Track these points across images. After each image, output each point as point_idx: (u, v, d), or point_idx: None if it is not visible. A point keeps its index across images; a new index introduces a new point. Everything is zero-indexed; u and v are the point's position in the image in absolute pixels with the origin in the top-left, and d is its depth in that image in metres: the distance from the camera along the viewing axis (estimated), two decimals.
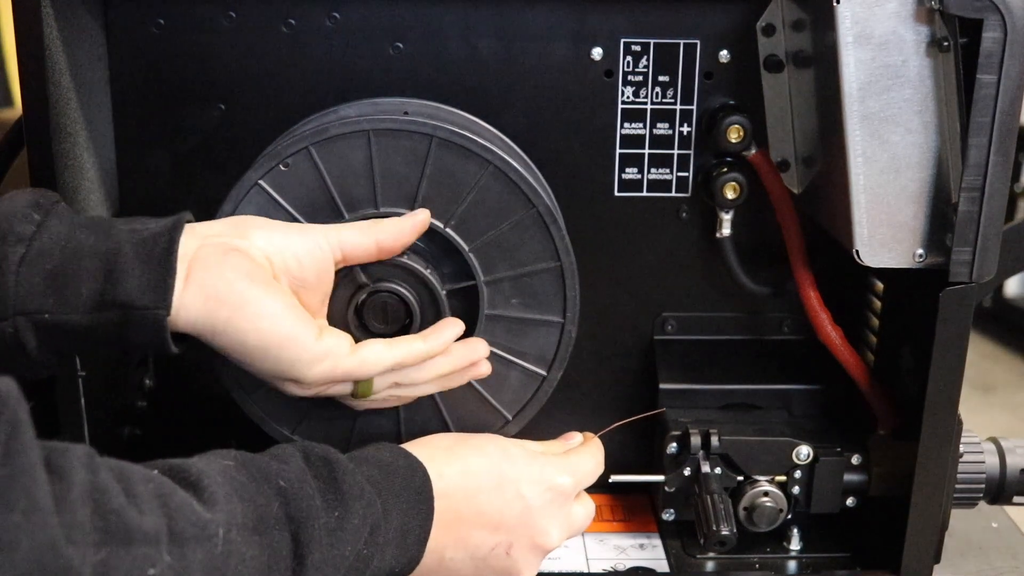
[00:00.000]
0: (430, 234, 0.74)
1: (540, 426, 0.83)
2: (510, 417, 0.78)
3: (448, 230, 0.74)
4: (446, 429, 0.78)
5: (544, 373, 0.77)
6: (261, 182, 0.73)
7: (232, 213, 0.72)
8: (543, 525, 0.71)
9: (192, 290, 0.62)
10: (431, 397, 0.76)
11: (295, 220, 0.73)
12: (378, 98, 0.79)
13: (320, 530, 0.58)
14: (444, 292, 0.74)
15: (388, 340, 0.70)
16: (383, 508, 0.62)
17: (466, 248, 0.74)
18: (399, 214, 0.73)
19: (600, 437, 0.79)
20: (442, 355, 0.72)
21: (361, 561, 0.61)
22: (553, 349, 0.76)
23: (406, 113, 0.73)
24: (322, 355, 0.66)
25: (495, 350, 0.76)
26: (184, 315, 0.62)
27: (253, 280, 0.64)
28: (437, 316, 0.74)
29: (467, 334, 0.75)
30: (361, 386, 0.70)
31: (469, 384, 0.76)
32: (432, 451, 0.69)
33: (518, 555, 0.70)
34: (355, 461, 0.64)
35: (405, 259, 0.73)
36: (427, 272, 0.73)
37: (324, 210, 0.73)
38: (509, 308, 0.75)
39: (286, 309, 0.65)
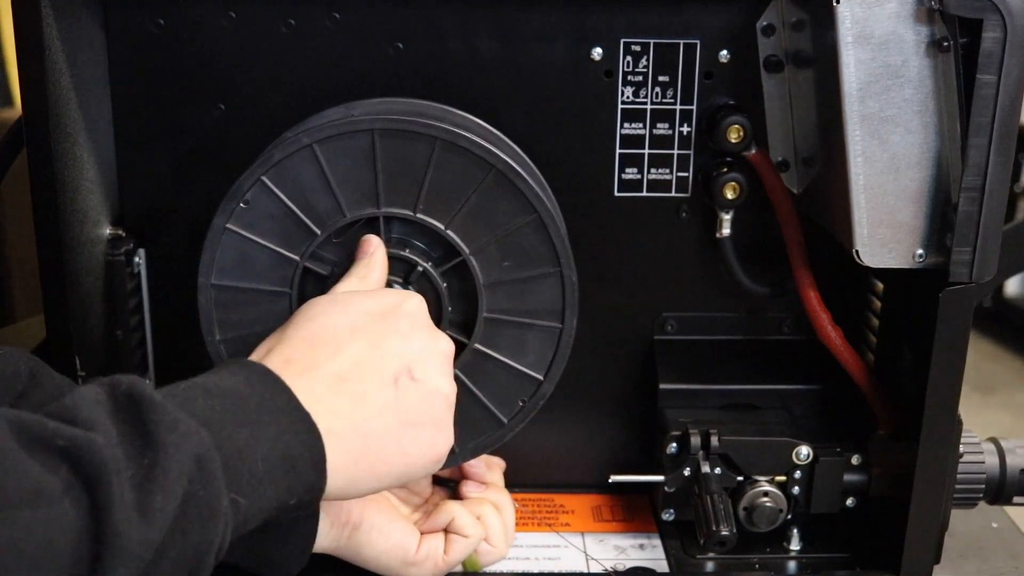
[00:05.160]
0: (408, 223, 0.74)
1: (540, 427, 0.83)
2: (541, 377, 0.78)
3: (419, 216, 0.74)
4: (479, 404, 0.78)
5: (560, 325, 0.77)
6: (229, 226, 0.73)
7: (212, 262, 0.74)
8: (421, 331, 0.67)
9: (322, 524, 0.74)
10: (457, 377, 0.77)
11: (274, 252, 0.74)
12: (329, 108, 0.79)
13: (123, 485, 0.49)
14: (439, 275, 0.75)
15: (469, 530, 0.77)
16: (218, 438, 0.54)
17: (442, 227, 0.74)
18: (368, 216, 0.73)
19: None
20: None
21: (204, 505, 0.52)
22: (560, 299, 0.76)
23: (351, 115, 0.74)
24: (423, 558, 0.76)
25: (506, 317, 0.76)
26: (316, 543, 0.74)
27: (366, 503, 0.75)
28: (437, 299, 0.75)
29: (469, 307, 0.76)
30: (468, 565, 0.79)
31: (492, 357, 0.76)
32: (270, 355, 0.62)
33: (425, 373, 0.65)
34: (181, 398, 0.56)
35: (399, 251, 0.74)
36: (422, 261, 0.74)
37: (297, 233, 0.74)
38: (504, 272, 0.75)
39: (391, 523, 0.76)
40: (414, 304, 0.69)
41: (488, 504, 0.81)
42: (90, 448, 0.49)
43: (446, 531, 0.78)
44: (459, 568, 0.79)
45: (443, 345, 0.68)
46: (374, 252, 0.73)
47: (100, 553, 0.48)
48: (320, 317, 0.65)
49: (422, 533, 0.77)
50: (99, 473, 0.48)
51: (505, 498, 0.83)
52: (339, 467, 0.60)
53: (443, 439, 0.66)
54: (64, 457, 0.48)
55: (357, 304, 0.67)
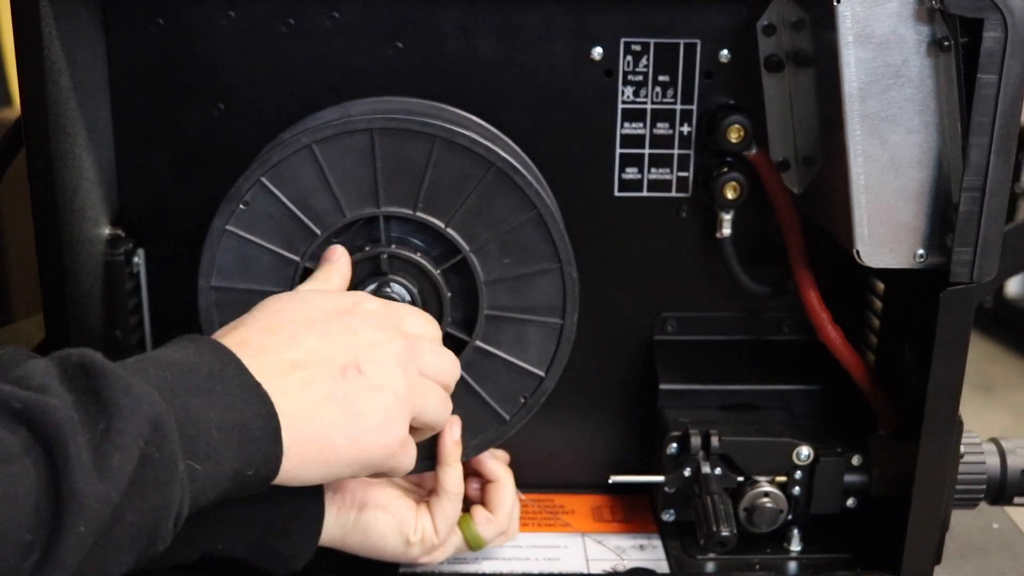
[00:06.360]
0: (408, 222, 0.74)
1: (540, 426, 0.83)
2: (543, 373, 0.78)
3: (419, 214, 0.74)
4: (481, 401, 0.78)
5: (560, 321, 0.77)
6: (229, 227, 0.73)
7: (212, 264, 0.74)
8: (373, 329, 0.67)
9: (328, 512, 0.75)
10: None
11: (275, 253, 0.74)
12: (322, 110, 0.79)
13: (80, 446, 0.51)
14: (439, 273, 0.75)
15: (446, 504, 0.77)
16: (172, 404, 0.55)
17: (442, 226, 0.74)
18: (368, 215, 0.74)
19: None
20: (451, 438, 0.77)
21: (161, 467, 0.53)
22: (560, 295, 0.76)
23: (349, 115, 0.74)
24: (418, 538, 0.77)
25: (506, 314, 0.76)
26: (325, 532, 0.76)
27: (368, 483, 0.77)
28: (438, 297, 0.75)
29: (470, 304, 0.76)
30: (470, 541, 0.80)
31: (493, 354, 0.77)
32: (225, 336, 0.64)
33: (373, 368, 0.65)
34: (132, 367, 0.57)
35: (400, 251, 0.74)
36: (421, 258, 0.74)
37: (297, 234, 0.74)
38: (504, 269, 0.75)
39: (396, 500, 0.77)
40: (371, 305, 0.69)
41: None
42: (44, 410, 0.50)
43: (431, 492, 0.78)
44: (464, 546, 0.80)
45: (396, 345, 0.67)
46: (337, 260, 0.73)
47: (60, 510, 0.49)
48: (280, 309, 0.67)
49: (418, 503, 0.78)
50: (56, 434, 0.50)
51: (504, 473, 0.82)
52: (290, 446, 0.61)
53: (389, 434, 0.66)
54: (20, 419, 0.50)
55: (317, 301, 0.68)
